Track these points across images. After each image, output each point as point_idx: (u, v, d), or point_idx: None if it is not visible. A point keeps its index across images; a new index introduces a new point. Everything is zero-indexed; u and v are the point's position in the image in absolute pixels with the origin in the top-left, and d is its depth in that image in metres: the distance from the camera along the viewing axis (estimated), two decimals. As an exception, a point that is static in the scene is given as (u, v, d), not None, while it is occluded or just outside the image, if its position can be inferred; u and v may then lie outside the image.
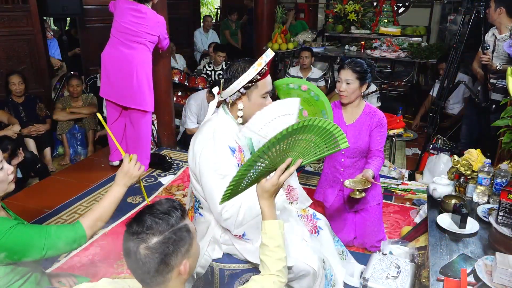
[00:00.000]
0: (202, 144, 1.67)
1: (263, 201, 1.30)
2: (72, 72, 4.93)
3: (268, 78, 1.70)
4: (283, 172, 1.26)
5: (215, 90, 1.74)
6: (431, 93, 4.73)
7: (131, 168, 1.57)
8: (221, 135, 1.67)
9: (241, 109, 1.69)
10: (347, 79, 2.31)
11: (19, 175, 3.52)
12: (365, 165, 2.37)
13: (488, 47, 3.22)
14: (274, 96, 1.89)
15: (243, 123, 1.73)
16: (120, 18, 3.34)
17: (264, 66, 1.62)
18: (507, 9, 3.15)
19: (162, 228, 1.05)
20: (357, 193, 2.21)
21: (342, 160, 2.48)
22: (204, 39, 6.68)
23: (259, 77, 1.64)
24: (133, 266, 1.06)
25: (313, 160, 1.31)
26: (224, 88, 1.68)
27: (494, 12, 3.20)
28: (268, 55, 1.64)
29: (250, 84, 1.64)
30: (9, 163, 3.08)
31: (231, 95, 1.67)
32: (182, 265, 1.07)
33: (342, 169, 2.50)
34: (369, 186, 2.18)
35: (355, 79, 2.31)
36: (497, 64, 3.21)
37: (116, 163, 3.81)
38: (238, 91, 1.64)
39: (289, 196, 2.00)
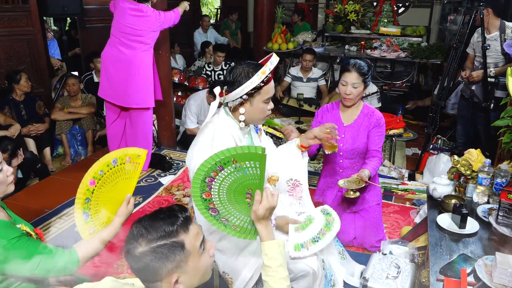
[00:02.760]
0: (200, 151, 1.66)
1: (259, 224, 1.31)
2: (72, 72, 4.93)
3: (271, 83, 1.69)
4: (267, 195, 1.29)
5: (217, 90, 1.72)
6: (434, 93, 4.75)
7: (129, 209, 1.59)
8: (220, 139, 1.66)
9: (242, 113, 1.69)
10: (354, 83, 2.26)
11: (19, 175, 3.51)
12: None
13: (488, 47, 3.26)
14: (276, 101, 1.86)
15: (245, 125, 1.75)
16: (120, 18, 3.32)
17: (268, 74, 1.60)
18: (493, 9, 3.32)
19: (151, 237, 1.04)
20: (351, 193, 2.20)
21: (341, 161, 2.47)
22: (203, 39, 6.68)
23: (262, 84, 1.63)
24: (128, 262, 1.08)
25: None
26: (227, 92, 1.66)
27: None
28: (273, 62, 1.62)
29: (253, 91, 1.63)
30: (9, 163, 3.07)
31: (233, 100, 1.66)
32: (171, 278, 1.05)
33: (340, 170, 2.49)
34: (363, 185, 2.16)
35: (361, 82, 2.26)
36: (490, 70, 3.36)
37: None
38: (241, 97, 1.64)
39: (293, 193, 1.96)
